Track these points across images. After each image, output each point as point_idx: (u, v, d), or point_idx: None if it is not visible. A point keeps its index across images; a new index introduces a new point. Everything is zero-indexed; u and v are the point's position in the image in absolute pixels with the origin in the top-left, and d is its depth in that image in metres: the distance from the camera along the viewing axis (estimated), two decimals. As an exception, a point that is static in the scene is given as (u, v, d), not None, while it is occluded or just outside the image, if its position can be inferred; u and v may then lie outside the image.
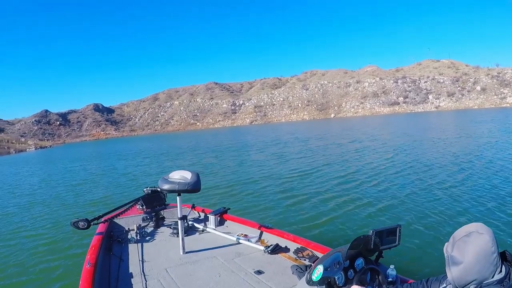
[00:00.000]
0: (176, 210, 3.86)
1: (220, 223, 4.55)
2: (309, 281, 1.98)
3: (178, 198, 3.61)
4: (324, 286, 1.97)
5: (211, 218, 4.53)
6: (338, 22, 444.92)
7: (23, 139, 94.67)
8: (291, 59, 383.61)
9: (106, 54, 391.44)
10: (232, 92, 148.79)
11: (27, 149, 72.65)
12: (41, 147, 78.62)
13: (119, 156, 30.58)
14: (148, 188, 5.06)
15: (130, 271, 3.26)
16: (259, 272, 3.09)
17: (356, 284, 1.99)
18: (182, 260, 3.48)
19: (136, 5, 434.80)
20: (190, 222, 4.59)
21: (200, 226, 4.49)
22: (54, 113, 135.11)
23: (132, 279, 3.09)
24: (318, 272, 1.95)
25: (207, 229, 4.40)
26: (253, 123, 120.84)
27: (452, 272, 1.43)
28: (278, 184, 10.67)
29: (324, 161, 15.07)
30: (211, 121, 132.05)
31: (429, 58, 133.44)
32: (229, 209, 4.77)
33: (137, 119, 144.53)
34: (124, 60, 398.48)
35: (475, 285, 1.39)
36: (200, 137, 52.48)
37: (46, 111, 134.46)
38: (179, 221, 3.65)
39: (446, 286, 1.61)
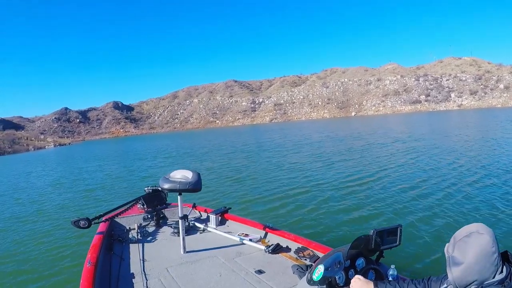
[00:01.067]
0: (177, 209, 3.89)
1: (221, 222, 4.55)
2: (310, 281, 2.00)
3: (179, 197, 3.61)
4: (325, 286, 1.97)
5: (212, 217, 4.53)
6: (358, 19, 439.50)
7: (42, 136, 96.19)
8: (311, 56, 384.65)
9: (126, 52, 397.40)
10: (252, 90, 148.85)
11: (46, 146, 73.68)
12: (60, 144, 79.80)
13: (138, 155, 29.38)
14: (149, 187, 5.08)
15: (130, 270, 3.27)
16: (260, 272, 3.09)
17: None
18: (183, 259, 3.49)
19: (156, 2, 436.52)
20: (191, 222, 4.60)
21: (201, 226, 4.50)
22: (74, 111, 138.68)
23: (132, 278, 3.09)
24: (319, 271, 1.97)
25: (208, 229, 4.41)
26: (273, 121, 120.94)
27: (453, 273, 1.44)
28: (281, 185, 10.58)
29: (328, 161, 15.02)
30: (230, 119, 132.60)
31: (451, 55, 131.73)
32: (230, 208, 4.75)
33: (156, 117, 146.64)
34: (144, 58, 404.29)
35: (476, 286, 1.40)
36: (223, 135, 51.38)
37: (66, 108, 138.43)
38: (180, 221, 3.65)
39: (447, 286, 1.60)
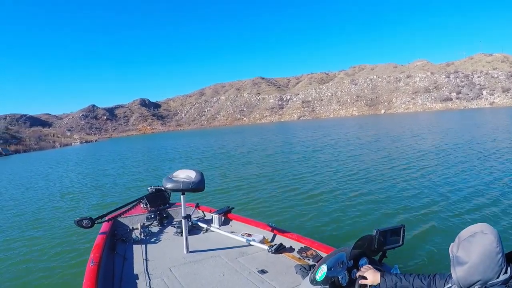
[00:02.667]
0: (180, 209, 3.88)
1: (224, 222, 4.54)
2: (313, 281, 2.01)
3: (182, 197, 3.61)
4: (327, 286, 1.97)
5: (215, 217, 4.51)
6: (385, 16, 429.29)
7: (68, 133, 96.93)
8: (338, 53, 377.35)
9: (152, 49, 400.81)
10: (279, 87, 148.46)
11: (72, 143, 74.00)
12: (86, 141, 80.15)
13: (168, 154, 26.46)
14: (152, 187, 5.06)
15: (134, 270, 3.27)
16: (262, 272, 3.09)
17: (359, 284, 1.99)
18: (186, 259, 3.49)
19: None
20: (194, 221, 4.58)
21: (204, 225, 4.49)
22: (101, 108, 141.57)
23: (135, 278, 3.09)
24: (321, 271, 1.97)
25: (211, 229, 4.40)
26: (300, 118, 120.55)
27: (457, 272, 1.44)
28: (284, 184, 10.59)
29: (333, 160, 14.97)
30: (258, 116, 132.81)
31: (481, 52, 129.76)
32: (233, 208, 4.73)
33: (183, 114, 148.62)
34: (171, 55, 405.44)
35: (480, 286, 1.39)
36: (258, 132, 49.23)
37: (93, 106, 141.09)
38: (183, 220, 3.66)
39: (451, 286, 1.61)
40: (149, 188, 5.10)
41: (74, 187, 14.08)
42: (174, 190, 3.59)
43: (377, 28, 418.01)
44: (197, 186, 3.51)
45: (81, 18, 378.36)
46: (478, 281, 1.39)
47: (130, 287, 2.98)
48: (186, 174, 3.62)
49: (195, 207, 5.05)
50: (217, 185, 11.23)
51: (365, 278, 2.00)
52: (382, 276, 1.95)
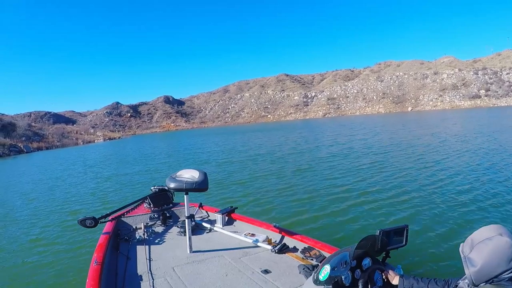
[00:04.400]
0: (184, 209, 3.87)
1: (228, 222, 4.52)
2: (316, 281, 2.02)
3: (185, 197, 3.61)
4: (331, 286, 1.97)
5: (219, 217, 4.50)
6: (410, 12, 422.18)
7: (92, 130, 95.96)
8: (362, 50, 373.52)
9: (176, 46, 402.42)
10: (304, 84, 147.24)
11: (95, 140, 73.29)
12: (109, 138, 79.32)
13: (198, 155, 22.50)
14: (155, 187, 5.06)
15: (137, 270, 3.27)
16: (266, 272, 3.09)
17: (363, 284, 2.04)
18: (189, 259, 3.49)
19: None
20: (197, 221, 4.58)
21: (207, 225, 4.48)
22: (125, 105, 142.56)
23: (139, 278, 3.09)
24: (325, 271, 1.98)
25: (214, 228, 4.39)
26: (326, 115, 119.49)
27: (471, 273, 1.47)
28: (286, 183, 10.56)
29: (337, 160, 14.75)
30: (282, 113, 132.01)
31: (509, 48, 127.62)
32: (236, 208, 4.73)
33: (207, 111, 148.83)
34: (194, 52, 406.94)
35: (490, 282, 1.45)
36: (288, 130, 46.39)
37: (117, 103, 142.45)
38: (186, 220, 3.64)
39: (462, 281, 1.67)
40: (152, 188, 5.12)
41: (80, 186, 13.99)
42: (177, 190, 3.59)
43: (401, 25, 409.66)
44: (201, 186, 3.51)
45: (106, 13, 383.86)
46: (490, 280, 1.44)
47: (133, 286, 2.99)
48: (189, 174, 3.63)
49: (199, 207, 5.06)
50: (220, 184, 11.21)
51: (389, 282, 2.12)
52: (400, 277, 2.07)
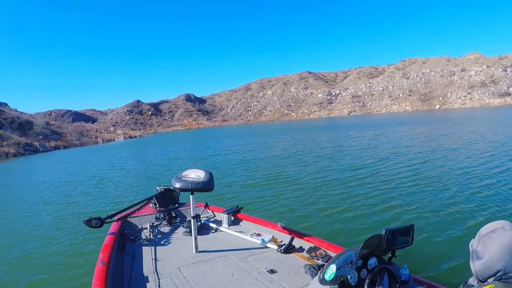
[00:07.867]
0: (189, 209, 3.90)
1: (233, 222, 4.52)
2: (322, 280, 2.02)
3: (191, 196, 3.62)
4: (337, 285, 1.98)
5: (224, 217, 4.50)
6: (435, 8, 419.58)
7: (112, 128, 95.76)
8: (386, 47, 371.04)
9: (197, 44, 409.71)
10: (327, 82, 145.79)
11: (115, 139, 72.31)
12: (130, 137, 78.27)
13: (228, 160, 17.99)
14: (161, 187, 5.06)
15: (143, 270, 3.27)
16: (272, 271, 3.08)
17: (369, 284, 2.03)
18: (195, 259, 3.49)
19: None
20: (203, 221, 4.58)
21: (213, 225, 4.48)
22: (146, 103, 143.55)
23: (145, 278, 3.09)
24: (331, 271, 1.98)
25: (220, 228, 4.38)
26: (351, 113, 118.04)
27: (476, 266, 1.48)
28: (291, 184, 10.46)
29: (342, 159, 14.58)
30: (306, 111, 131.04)
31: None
32: (242, 208, 4.71)
33: (229, 109, 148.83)
34: (215, 49, 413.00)
35: (497, 277, 1.44)
36: (325, 130, 41.56)
37: (138, 101, 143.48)
38: (192, 220, 3.65)
39: (470, 279, 1.64)
40: (158, 188, 5.12)
41: (87, 186, 13.88)
42: (183, 189, 3.60)
43: (426, 21, 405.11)
44: (206, 186, 3.52)
45: (128, 9, 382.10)
46: (496, 274, 1.43)
47: (139, 286, 3.00)
48: (195, 174, 3.65)
49: (204, 207, 5.07)
50: (226, 184, 11.14)
51: None
52: None
